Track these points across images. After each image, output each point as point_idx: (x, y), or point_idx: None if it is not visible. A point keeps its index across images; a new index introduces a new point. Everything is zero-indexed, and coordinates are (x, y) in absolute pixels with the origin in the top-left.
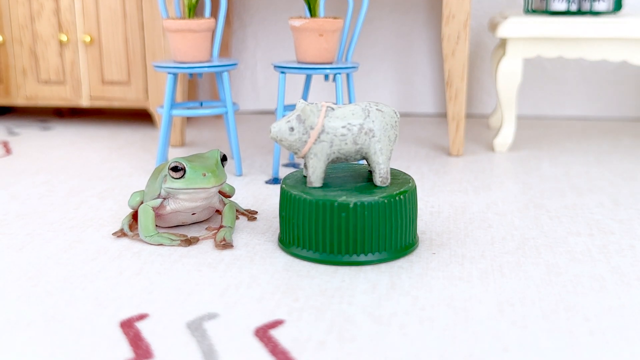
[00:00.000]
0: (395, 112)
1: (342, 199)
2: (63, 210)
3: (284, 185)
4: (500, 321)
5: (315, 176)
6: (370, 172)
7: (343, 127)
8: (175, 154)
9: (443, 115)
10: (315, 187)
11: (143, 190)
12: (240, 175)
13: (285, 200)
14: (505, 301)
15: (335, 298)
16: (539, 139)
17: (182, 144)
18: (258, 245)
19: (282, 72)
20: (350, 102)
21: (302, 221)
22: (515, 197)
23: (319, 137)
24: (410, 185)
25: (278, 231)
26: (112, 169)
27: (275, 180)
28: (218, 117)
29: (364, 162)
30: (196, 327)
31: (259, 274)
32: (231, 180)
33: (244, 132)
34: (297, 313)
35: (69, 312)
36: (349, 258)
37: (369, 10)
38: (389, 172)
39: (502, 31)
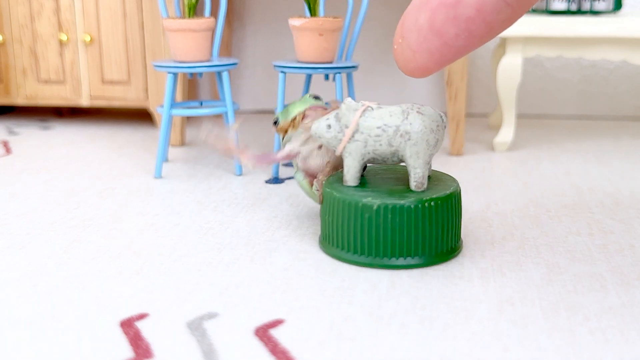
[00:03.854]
0: (441, 116)
1: (367, 200)
2: (63, 209)
3: (326, 183)
4: (500, 321)
5: (350, 175)
6: None
7: (378, 127)
8: (175, 154)
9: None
10: (349, 186)
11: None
12: (240, 174)
13: (324, 197)
14: (505, 301)
15: (335, 298)
16: (539, 138)
17: (182, 143)
18: (258, 244)
19: (282, 72)
20: None
21: (331, 218)
22: (515, 196)
23: (353, 136)
24: (453, 188)
25: (278, 230)
26: (112, 168)
27: (275, 180)
28: (218, 116)
29: None
30: (196, 327)
31: (259, 274)
32: (231, 180)
33: (244, 131)
34: (297, 313)
35: (69, 312)
36: (380, 261)
37: (369, 9)
38: (425, 177)
39: None
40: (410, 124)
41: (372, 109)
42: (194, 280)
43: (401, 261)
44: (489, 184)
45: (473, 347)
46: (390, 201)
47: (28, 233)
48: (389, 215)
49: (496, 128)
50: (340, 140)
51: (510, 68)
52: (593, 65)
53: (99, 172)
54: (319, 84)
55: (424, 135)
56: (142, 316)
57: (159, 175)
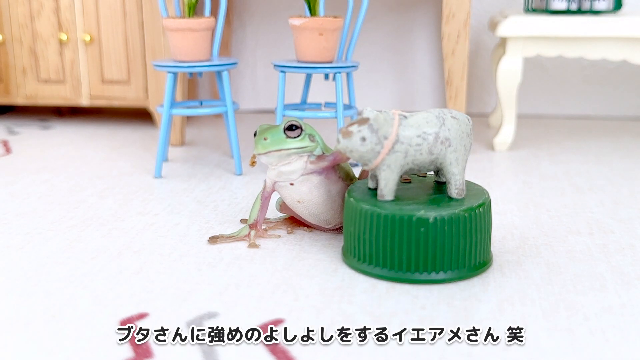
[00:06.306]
0: (468, 119)
1: (421, 213)
2: (63, 209)
3: (352, 199)
4: (500, 321)
5: (388, 189)
6: (437, 183)
7: (418, 136)
8: (175, 153)
9: None
10: (387, 201)
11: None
12: (240, 174)
13: (356, 215)
14: (505, 301)
15: (335, 297)
16: (539, 138)
17: (182, 143)
18: (258, 244)
19: (282, 71)
20: (350, 101)
21: (376, 237)
22: (515, 196)
23: (392, 147)
24: (486, 197)
25: (277, 230)
26: (112, 168)
27: None
28: (218, 116)
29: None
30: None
31: (258, 273)
32: (231, 180)
33: (243, 131)
34: (297, 312)
35: (69, 311)
36: (427, 276)
37: (369, 9)
38: (464, 183)
39: (502, 30)
40: (449, 129)
41: (405, 117)
42: (194, 280)
43: (449, 274)
44: (489, 184)
45: (473, 347)
46: (445, 212)
47: (28, 233)
48: (446, 227)
49: (496, 128)
50: (379, 152)
51: (510, 68)
52: (593, 65)
53: (99, 172)
54: (318, 83)
55: (462, 140)
56: (142, 316)
57: (158, 175)
